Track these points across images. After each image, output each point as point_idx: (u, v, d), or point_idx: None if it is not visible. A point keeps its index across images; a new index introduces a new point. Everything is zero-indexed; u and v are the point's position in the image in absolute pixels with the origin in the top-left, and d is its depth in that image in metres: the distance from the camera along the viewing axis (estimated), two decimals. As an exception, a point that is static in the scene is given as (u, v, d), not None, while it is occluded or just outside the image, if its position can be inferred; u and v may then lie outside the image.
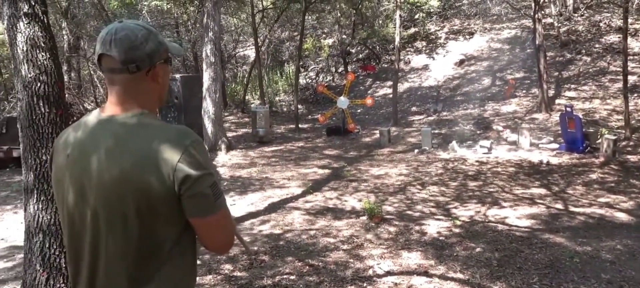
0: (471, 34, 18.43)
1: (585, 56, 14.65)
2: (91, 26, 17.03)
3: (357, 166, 9.49)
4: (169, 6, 16.78)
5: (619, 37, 13.95)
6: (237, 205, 6.82)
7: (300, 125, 14.65)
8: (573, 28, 16.26)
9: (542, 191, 7.22)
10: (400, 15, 14.73)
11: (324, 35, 21.91)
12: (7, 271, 4.67)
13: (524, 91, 14.12)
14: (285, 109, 17.81)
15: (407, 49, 18.75)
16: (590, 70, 13.94)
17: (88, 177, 1.28)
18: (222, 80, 15.32)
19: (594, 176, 7.98)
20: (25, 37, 3.17)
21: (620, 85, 11.57)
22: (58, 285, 3.19)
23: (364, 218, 5.88)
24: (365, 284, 4.02)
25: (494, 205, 6.53)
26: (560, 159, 9.22)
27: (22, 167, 3.30)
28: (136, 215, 1.23)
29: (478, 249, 4.74)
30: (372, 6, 19.54)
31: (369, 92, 17.21)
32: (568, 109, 9.84)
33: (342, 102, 13.50)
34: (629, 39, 10.39)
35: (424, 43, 18.96)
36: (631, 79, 10.20)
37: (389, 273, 4.23)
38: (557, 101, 12.81)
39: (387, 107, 15.27)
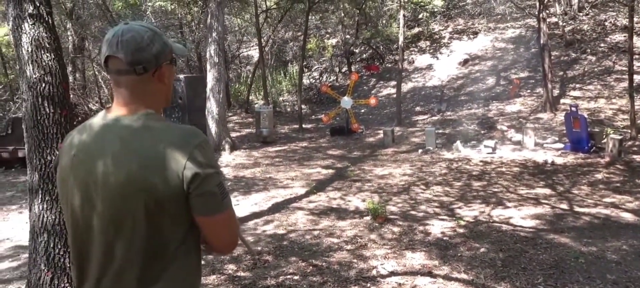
0: (475, 33, 18.38)
1: (590, 55, 14.58)
2: (96, 27, 17.09)
3: (361, 166, 9.48)
4: (173, 7, 16.83)
5: (624, 36, 13.87)
6: (241, 205, 6.82)
7: (304, 125, 14.65)
8: (578, 27, 16.18)
9: (547, 191, 7.19)
10: (404, 15, 14.71)
11: (327, 35, 21.91)
12: (12, 270, 4.69)
13: (528, 91, 14.07)
14: (288, 109, 17.82)
15: (411, 49, 18.71)
16: (596, 69, 13.87)
17: (94, 180, 1.28)
18: (226, 80, 15.34)
19: (599, 176, 7.94)
20: (30, 38, 3.18)
21: (625, 84, 11.51)
22: (62, 285, 3.20)
23: (368, 218, 5.87)
24: (369, 284, 4.02)
25: (498, 205, 6.51)
26: (565, 159, 9.17)
27: (27, 167, 3.31)
28: (144, 216, 1.24)
29: (482, 249, 4.73)
30: (375, 6, 19.52)
31: (373, 92, 17.19)
32: (573, 109, 9.79)
33: (346, 102, 13.49)
34: (635, 38, 10.33)
35: (428, 43, 18.93)
36: (637, 78, 10.14)
37: (392, 273, 4.22)
38: (562, 101, 12.76)
39: (391, 107, 15.24)
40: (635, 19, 10.42)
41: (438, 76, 16.61)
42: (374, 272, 4.26)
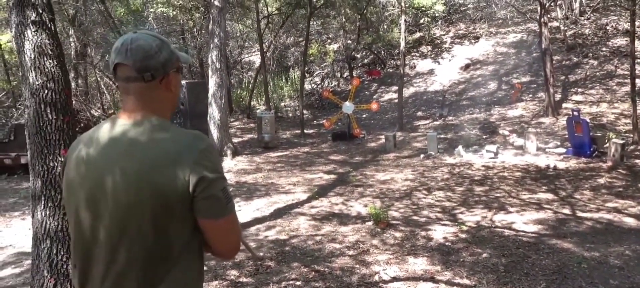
0: (477, 38, 18.40)
1: (592, 60, 14.58)
2: (98, 33, 17.17)
3: (363, 171, 9.47)
4: (175, 13, 16.90)
5: (626, 40, 13.87)
6: (243, 210, 6.82)
7: (305, 131, 14.67)
8: (579, 31, 16.18)
9: (549, 196, 7.17)
10: (405, 20, 14.74)
11: (329, 41, 21.96)
12: (15, 277, 4.69)
13: (530, 95, 14.06)
14: (290, 115, 17.84)
15: (413, 54, 18.74)
16: (598, 73, 13.86)
17: (101, 190, 1.30)
18: (228, 86, 15.38)
19: (601, 180, 7.92)
20: (33, 44, 3.20)
21: (627, 88, 11.49)
22: (65, 292, 3.19)
23: (370, 223, 5.87)
24: (371, 290, 4.01)
25: (500, 210, 6.49)
26: (567, 164, 9.15)
27: (30, 173, 3.31)
28: (151, 222, 1.27)
29: (485, 255, 4.71)
30: (377, 11, 19.57)
31: (375, 97, 17.21)
32: (575, 113, 9.78)
33: (348, 107, 13.50)
34: (637, 42, 10.31)
35: (429, 47, 18.96)
36: (639, 82, 10.13)
37: (395, 279, 4.21)
38: (564, 105, 12.75)
39: (393, 111, 15.25)
40: (637, 23, 10.42)
41: (439, 81, 16.63)
42: (376, 278, 4.25)
